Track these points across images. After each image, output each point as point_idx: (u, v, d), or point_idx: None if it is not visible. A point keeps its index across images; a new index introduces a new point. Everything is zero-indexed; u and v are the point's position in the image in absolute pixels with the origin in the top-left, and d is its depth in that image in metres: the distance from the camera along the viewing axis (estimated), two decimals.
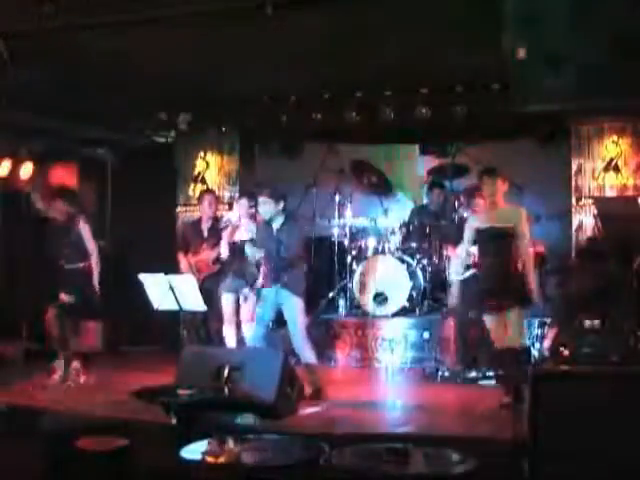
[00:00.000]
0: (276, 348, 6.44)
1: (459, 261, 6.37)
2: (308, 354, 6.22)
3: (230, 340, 7.08)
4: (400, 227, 8.46)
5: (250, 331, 6.51)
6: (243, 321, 6.95)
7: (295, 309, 6.17)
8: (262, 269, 6.49)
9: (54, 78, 6.84)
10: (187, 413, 4.78)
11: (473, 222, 6.04)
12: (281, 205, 6.21)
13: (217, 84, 7.60)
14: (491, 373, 6.76)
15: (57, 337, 6.88)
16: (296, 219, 6.69)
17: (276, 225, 6.20)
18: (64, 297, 6.85)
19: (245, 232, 6.82)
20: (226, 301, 7.08)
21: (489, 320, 5.87)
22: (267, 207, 6.16)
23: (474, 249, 6.35)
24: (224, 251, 6.98)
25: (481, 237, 5.91)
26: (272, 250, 6.21)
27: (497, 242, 5.78)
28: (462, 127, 8.45)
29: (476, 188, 7.09)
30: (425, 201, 9.15)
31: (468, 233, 6.02)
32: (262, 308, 6.29)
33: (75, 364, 6.90)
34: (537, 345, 7.21)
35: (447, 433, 5.05)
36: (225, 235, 6.95)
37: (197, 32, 5.88)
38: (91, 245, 6.94)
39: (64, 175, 8.84)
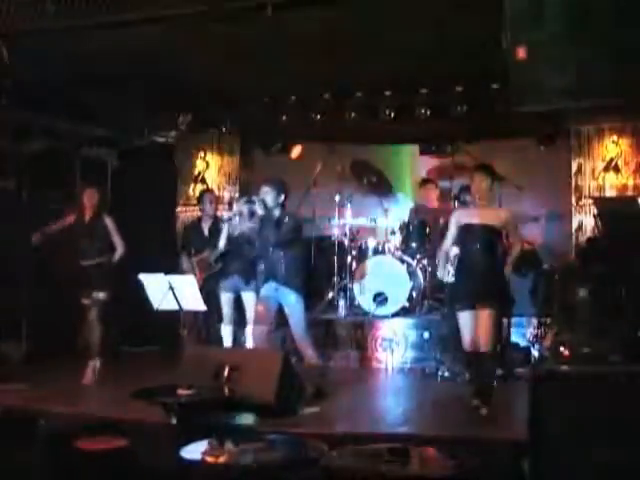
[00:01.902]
0: (277, 348, 6.45)
1: (444, 261, 5.94)
2: (310, 352, 6.22)
3: (227, 340, 7.08)
4: (400, 227, 8.47)
5: (253, 332, 6.50)
6: (248, 322, 6.92)
7: (296, 306, 6.17)
8: (259, 265, 6.49)
9: (54, 78, 6.84)
10: (187, 413, 4.78)
11: (459, 217, 5.76)
12: (281, 198, 6.23)
13: (217, 84, 7.60)
14: None
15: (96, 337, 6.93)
16: (294, 213, 6.66)
17: (273, 218, 6.21)
18: (99, 295, 6.90)
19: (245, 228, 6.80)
20: (227, 300, 7.09)
21: (464, 318, 5.59)
22: (268, 197, 6.18)
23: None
24: (222, 247, 6.96)
25: (468, 234, 5.64)
26: (270, 245, 6.21)
27: (483, 240, 5.56)
28: (462, 127, 8.46)
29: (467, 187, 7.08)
30: (421, 199, 9.12)
31: (452, 229, 5.75)
32: (262, 308, 6.29)
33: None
34: (537, 345, 7.22)
35: (447, 433, 5.05)
36: (225, 231, 6.93)
37: (197, 32, 5.88)
38: (117, 238, 7.05)
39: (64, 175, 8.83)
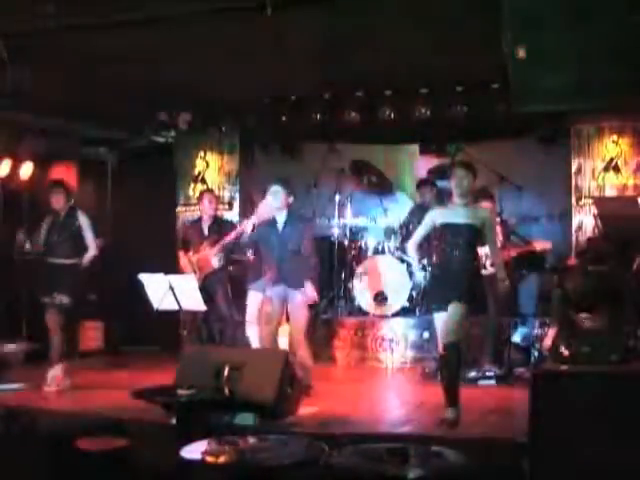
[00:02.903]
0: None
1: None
2: (303, 352, 6.20)
3: (254, 340, 7.01)
4: (400, 227, 8.47)
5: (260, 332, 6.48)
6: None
7: (299, 306, 6.16)
8: (267, 266, 6.47)
9: (54, 78, 6.84)
10: (187, 413, 4.78)
11: (435, 217, 5.51)
12: (291, 198, 6.22)
13: (217, 84, 7.61)
14: (491, 373, 6.78)
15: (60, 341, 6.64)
16: (301, 215, 6.64)
17: (281, 219, 6.19)
18: (59, 297, 6.57)
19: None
20: (255, 299, 7.01)
21: (439, 320, 5.42)
22: (278, 197, 6.13)
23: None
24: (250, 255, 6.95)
25: (445, 233, 5.44)
26: (276, 246, 6.20)
27: (461, 240, 5.33)
28: (462, 127, 8.46)
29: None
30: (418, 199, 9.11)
31: (421, 228, 5.57)
32: (271, 307, 6.28)
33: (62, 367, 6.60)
34: (537, 345, 7.22)
35: (447, 433, 5.05)
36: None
37: (197, 32, 5.89)
38: (90, 238, 6.77)
39: (64, 175, 8.82)
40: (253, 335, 7.04)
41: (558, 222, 8.70)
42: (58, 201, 6.81)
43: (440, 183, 8.89)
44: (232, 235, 7.11)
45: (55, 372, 6.55)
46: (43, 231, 6.81)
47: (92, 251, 6.77)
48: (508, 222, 7.45)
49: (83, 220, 6.80)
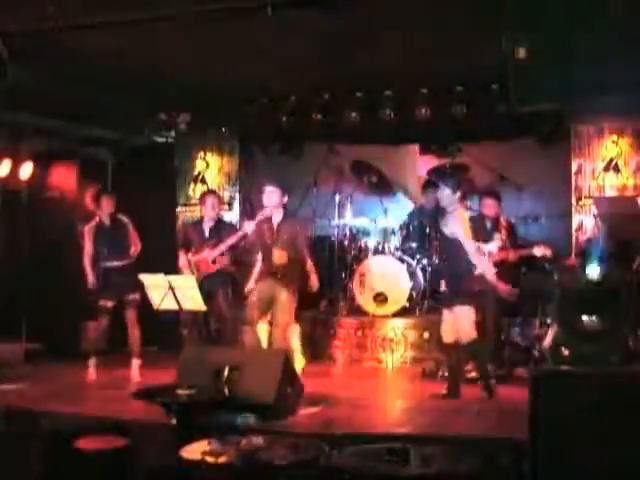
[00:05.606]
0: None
1: None
2: None
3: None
4: (400, 227, 8.47)
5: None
6: None
7: (284, 305, 6.16)
8: (259, 265, 6.52)
9: (54, 78, 6.84)
10: (187, 413, 4.78)
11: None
12: (285, 198, 6.26)
13: (217, 84, 7.60)
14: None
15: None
16: (296, 215, 6.67)
17: (277, 219, 6.22)
18: (134, 295, 7.00)
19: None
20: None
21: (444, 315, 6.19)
22: (274, 197, 6.19)
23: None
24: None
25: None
26: (269, 244, 6.22)
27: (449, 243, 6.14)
28: (462, 127, 8.46)
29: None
30: (423, 201, 9.11)
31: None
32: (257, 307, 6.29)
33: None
34: (537, 345, 7.21)
35: (447, 433, 5.05)
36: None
37: (197, 32, 5.89)
38: (135, 236, 7.31)
39: (64, 175, 8.82)
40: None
41: (558, 222, 8.69)
42: (108, 205, 7.32)
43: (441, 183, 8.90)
44: (233, 238, 7.11)
45: (138, 363, 7.17)
46: (91, 237, 7.32)
47: (138, 246, 7.34)
48: (510, 222, 7.43)
49: (126, 220, 7.37)
